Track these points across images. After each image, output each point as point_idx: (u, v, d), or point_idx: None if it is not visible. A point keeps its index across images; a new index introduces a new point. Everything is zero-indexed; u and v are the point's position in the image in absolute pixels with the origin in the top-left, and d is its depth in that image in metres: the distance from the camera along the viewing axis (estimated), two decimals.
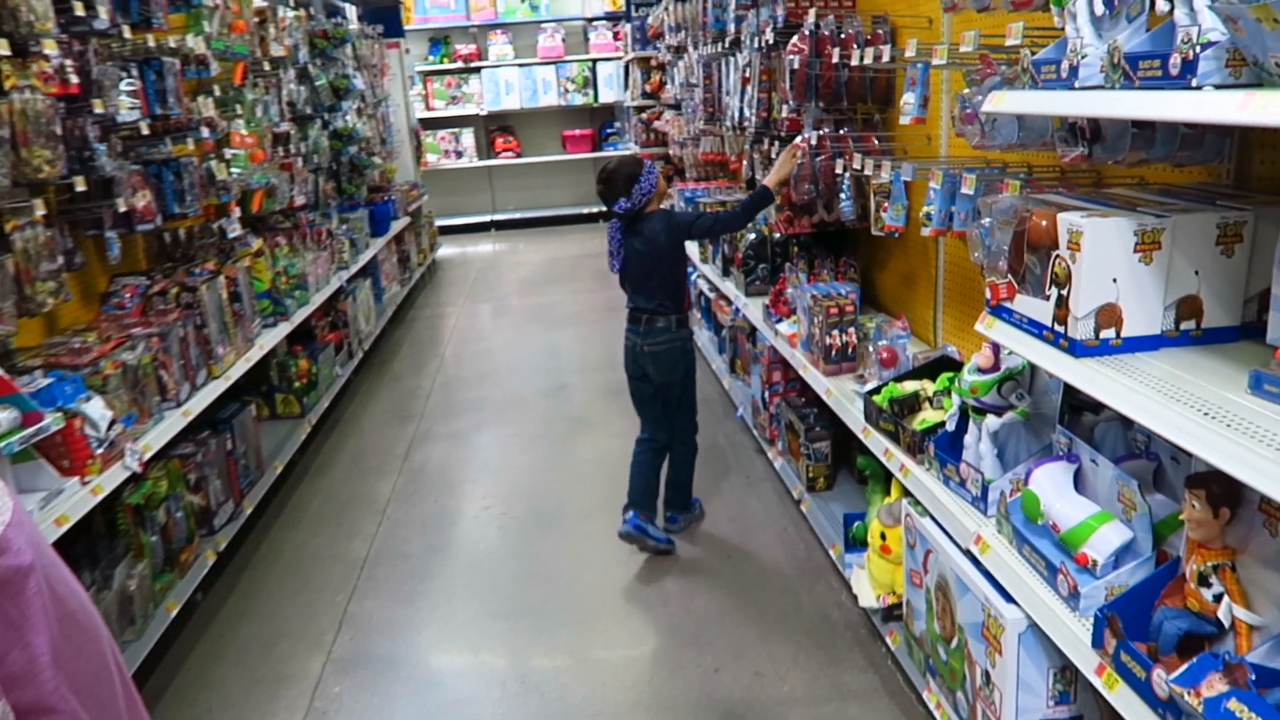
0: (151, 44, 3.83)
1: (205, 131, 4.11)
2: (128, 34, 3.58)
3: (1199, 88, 1.38)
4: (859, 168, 3.26)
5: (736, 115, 4.95)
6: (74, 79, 3.10)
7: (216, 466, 3.72)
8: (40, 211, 2.97)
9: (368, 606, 3.51)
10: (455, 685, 3.06)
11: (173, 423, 3.30)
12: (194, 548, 3.46)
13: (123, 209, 3.44)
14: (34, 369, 2.86)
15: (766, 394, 4.34)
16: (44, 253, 3.02)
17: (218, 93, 4.45)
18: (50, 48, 2.97)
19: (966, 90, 2.50)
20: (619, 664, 3.08)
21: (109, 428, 2.83)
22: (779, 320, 4.05)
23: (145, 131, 3.67)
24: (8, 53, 2.79)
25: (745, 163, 5.29)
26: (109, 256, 3.48)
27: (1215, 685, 1.41)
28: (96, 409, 2.79)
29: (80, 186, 3.17)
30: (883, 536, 2.81)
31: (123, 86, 3.47)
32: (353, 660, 3.19)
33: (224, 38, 4.49)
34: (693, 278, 6.57)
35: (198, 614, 3.49)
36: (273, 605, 3.56)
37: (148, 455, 3.03)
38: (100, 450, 2.76)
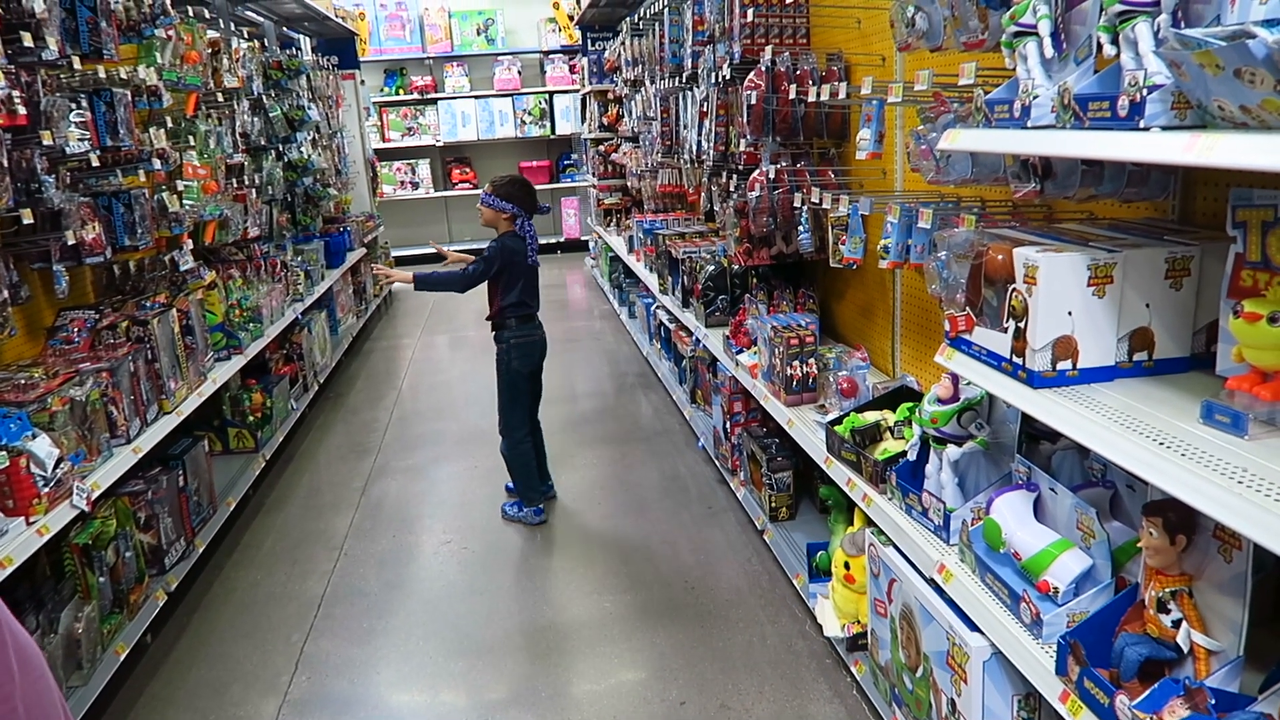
0: (102, 75, 3.78)
1: (157, 163, 4.05)
2: (78, 65, 3.53)
3: (1147, 129, 1.43)
4: (817, 201, 3.30)
5: (694, 148, 5.01)
6: (21, 110, 3.04)
7: (167, 504, 3.63)
8: None
9: (324, 646, 3.44)
10: None
11: (122, 460, 3.22)
12: (144, 588, 3.37)
13: (71, 241, 3.37)
14: None
15: (728, 424, 4.35)
16: None
17: (170, 124, 4.40)
18: None
19: (921, 127, 2.56)
20: (583, 700, 3.05)
21: (55, 466, 2.75)
22: (740, 351, 4.07)
23: (95, 163, 3.61)
24: None
25: (703, 195, 5.34)
26: (56, 290, 3.40)
27: (1177, 710, 1.44)
28: (43, 447, 2.72)
29: (27, 219, 3.11)
30: (846, 566, 2.82)
31: (72, 118, 3.42)
32: (309, 702, 3.11)
33: (176, 69, 4.44)
34: (651, 308, 6.60)
35: (147, 657, 3.39)
36: (225, 646, 3.47)
37: (96, 494, 2.95)
38: (46, 489, 2.69)
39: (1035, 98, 1.71)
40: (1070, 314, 1.71)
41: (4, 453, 2.55)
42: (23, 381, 3.06)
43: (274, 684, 3.21)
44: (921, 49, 2.44)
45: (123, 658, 3.07)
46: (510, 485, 4.60)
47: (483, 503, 4.67)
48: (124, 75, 3.87)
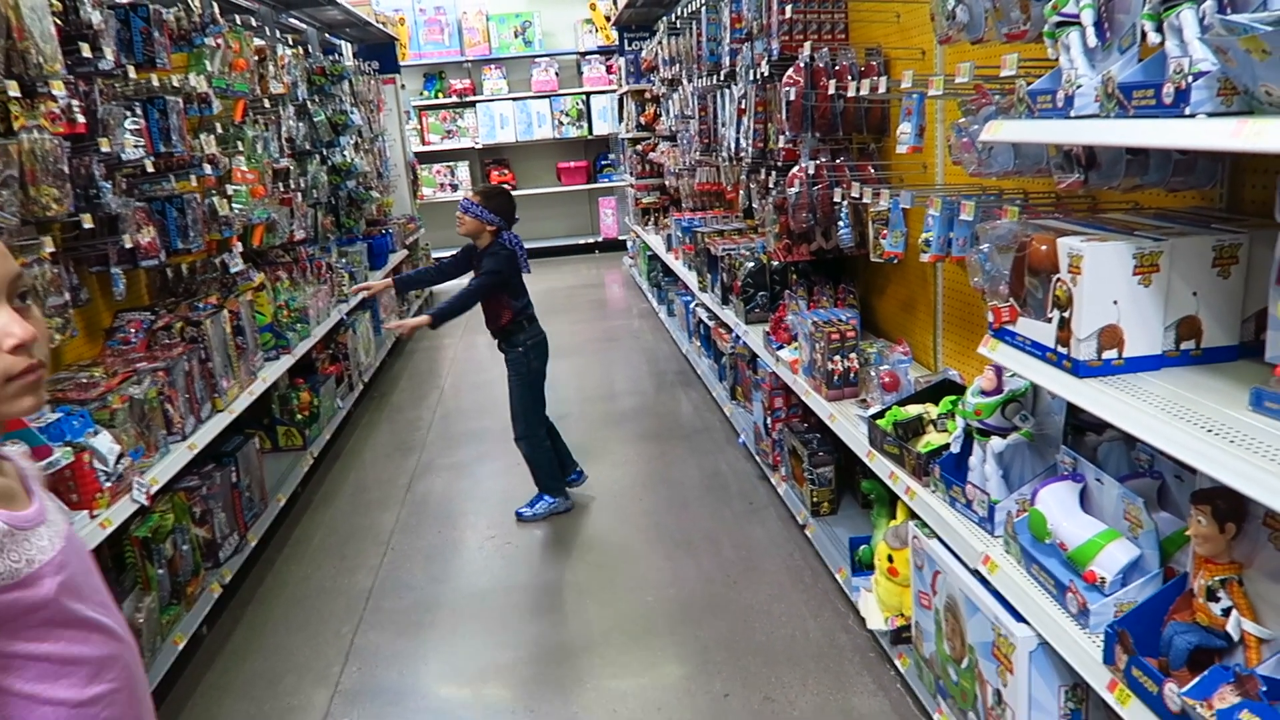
0: (155, 83, 3.89)
1: (207, 168, 4.16)
2: (132, 74, 3.63)
3: (1193, 116, 1.43)
4: (856, 196, 3.31)
5: (733, 146, 5.02)
6: (80, 119, 3.14)
7: (221, 499, 3.73)
8: (48, 249, 3.00)
9: (373, 638, 3.51)
10: (463, 716, 3.05)
11: (178, 456, 3.32)
12: (200, 580, 3.46)
13: (128, 245, 3.47)
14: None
15: (769, 420, 4.36)
16: (51, 289, 3.04)
17: (219, 130, 4.51)
18: (58, 88, 3.01)
19: (962, 120, 2.56)
20: (628, 692, 3.08)
21: (117, 461, 2.84)
22: (780, 347, 4.08)
23: (149, 169, 3.71)
24: (17, 94, 2.84)
25: (742, 192, 5.35)
26: (114, 292, 3.51)
27: (1227, 698, 1.43)
28: (105, 443, 2.81)
29: (87, 224, 3.21)
30: (889, 559, 2.83)
31: (127, 125, 3.52)
32: (360, 692, 3.18)
33: (225, 76, 4.55)
34: (690, 306, 6.62)
35: (203, 648, 3.48)
36: (278, 638, 3.55)
37: (155, 488, 3.04)
38: (108, 484, 2.78)
39: (1078, 87, 1.71)
40: (1115, 303, 1.71)
41: (69, 448, 2.64)
42: (84, 380, 3.16)
43: (325, 675, 3.28)
44: (962, 41, 2.44)
45: (180, 647, 3.16)
46: (533, 513, 4.48)
47: (525, 499, 4.71)
48: (176, 83, 3.98)
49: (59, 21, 3.08)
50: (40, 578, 1.09)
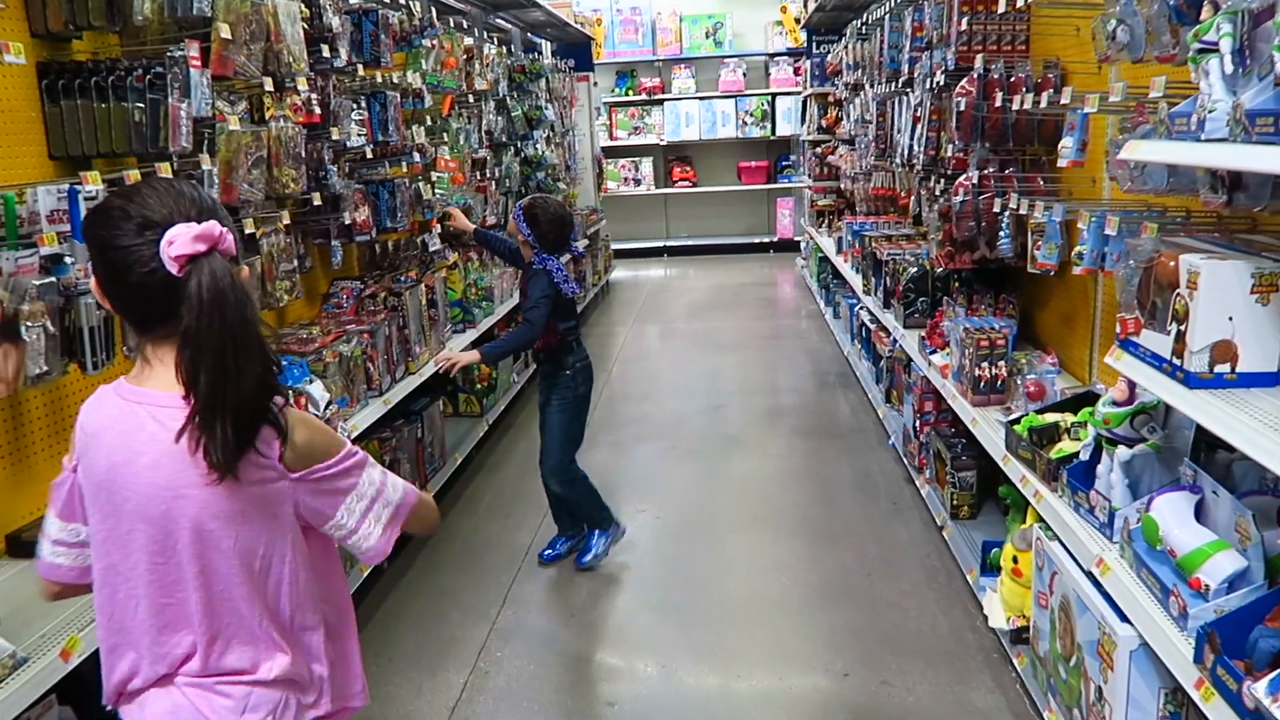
0: (378, 79, 4.39)
1: (416, 156, 4.65)
2: (360, 71, 4.14)
3: None
4: (1014, 206, 3.37)
5: (906, 152, 5.10)
6: (317, 110, 3.64)
7: (407, 452, 4.20)
8: (284, 221, 3.51)
9: (528, 588, 3.87)
10: (601, 662, 3.36)
11: (375, 409, 3.78)
12: None
13: (346, 222, 3.97)
14: None
15: (918, 423, 4.44)
16: (283, 256, 3.55)
17: (428, 122, 5.01)
18: (302, 84, 3.51)
19: (1120, 137, 2.61)
20: (753, 660, 3.29)
21: (326, 407, 3.30)
22: (933, 351, 4.16)
23: (368, 155, 4.21)
24: (270, 88, 3.34)
25: (913, 199, 5.42)
26: (332, 262, 4.03)
27: None
28: (318, 390, 3.27)
29: (316, 201, 3.71)
30: (1015, 560, 2.91)
31: (353, 116, 4.02)
32: (512, 632, 3.54)
33: (437, 73, 5.05)
34: (855, 309, 6.70)
35: (383, 580, 3.94)
36: (447, 580, 3.97)
37: (354, 434, 3.49)
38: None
39: (1211, 112, 1.79)
40: (1231, 319, 1.78)
41: (290, 392, 3.11)
42: (304, 336, 3.66)
43: (485, 614, 3.67)
44: (1123, 60, 2.50)
45: (365, 575, 3.61)
46: (555, 550, 4.12)
47: (678, 479, 5.00)
48: (395, 80, 4.47)
49: (306, 26, 3.58)
50: None
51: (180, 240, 1.34)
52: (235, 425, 1.36)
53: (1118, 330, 2.14)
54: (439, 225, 4.94)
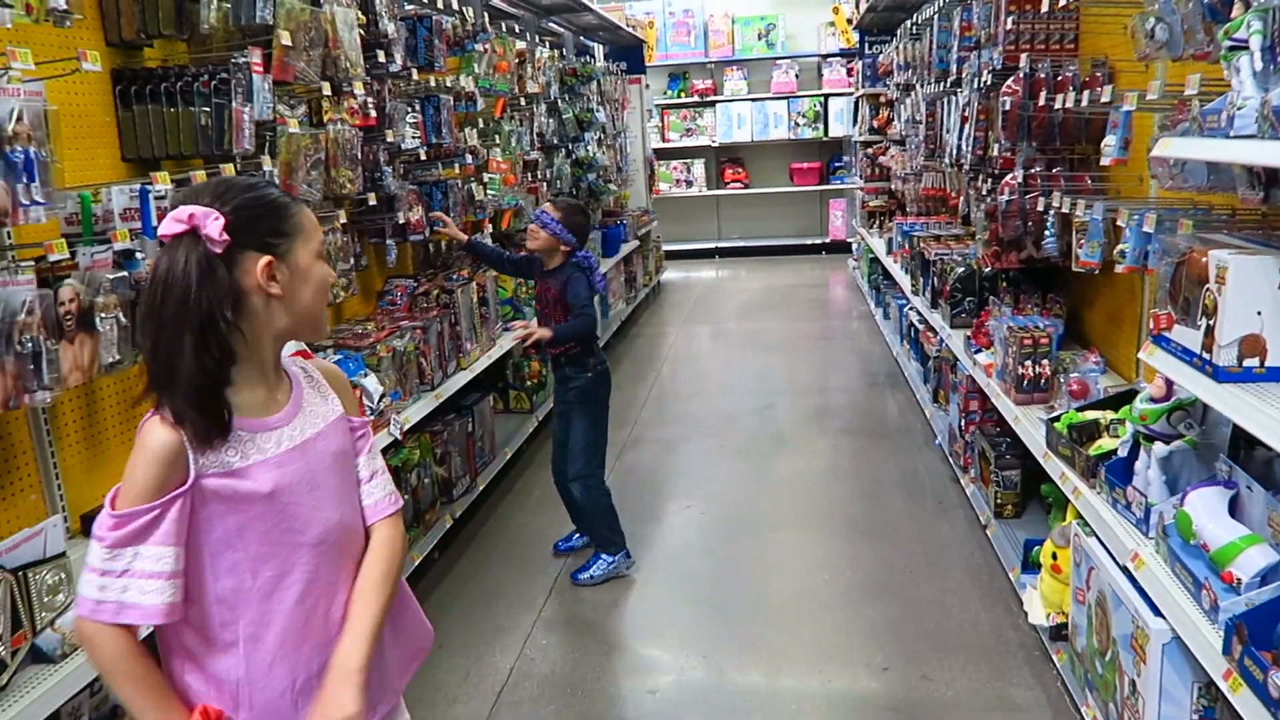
0: (432, 84, 4.52)
1: (469, 158, 4.78)
2: (415, 76, 4.27)
3: None
4: (1058, 205, 3.37)
5: (955, 152, 5.09)
6: (373, 113, 3.77)
7: (458, 445, 4.31)
8: (341, 221, 3.64)
9: None
10: (642, 653, 3.43)
11: (427, 403, 3.90)
12: (436, 511, 4.04)
13: (400, 221, 4.10)
14: (326, 348, 3.51)
15: (963, 422, 4.44)
16: (340, 254, 3.69)
17: (481, 124, 5.13)
18: (359, 88, 3.64)
19: (1159, 134, 2.61)
20: (794, 653, 3.34)
21: (379, 400, 3.42)
22: (978, 351, 4.16)
23: (422, 157, 4.34)
24: (329, 92, 3.47)
25: (962, 199, 5.40)
26: (387, 260, 4.16)
27: None
28: (372, 383, 3.39)
29: (371, 201, 3.84)
30: (1054, 557, 2.92)
31: (408, 119, 4.15)
32: (557, 622, 3.63)
33: (489, 77, 5.17)
34: (904, 309, 6.69)
35: (434, 568, 4.06)
36: (495, 570, 4.08)
37: (406, 426, 3.61)
38: (372, 417, 3.36)
39: (1241, 108, 1.80)
40: (1259, 314, 1.79)
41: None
42: (359, 331, 3.80)
43: (531, 604, 3.76)
44: (1163, 58, 2.50)
45: (416, 563, 3.73)
46: (570, 542, 4.22)
47: (725, 477, 5.05)
48: (449, 84, 4.60)
49: (362, 33, 3.71)
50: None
51: (165, 221, 1.41)
52: (185, 407, 1.40)
53: (1150, 326, 2.15)
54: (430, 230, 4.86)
